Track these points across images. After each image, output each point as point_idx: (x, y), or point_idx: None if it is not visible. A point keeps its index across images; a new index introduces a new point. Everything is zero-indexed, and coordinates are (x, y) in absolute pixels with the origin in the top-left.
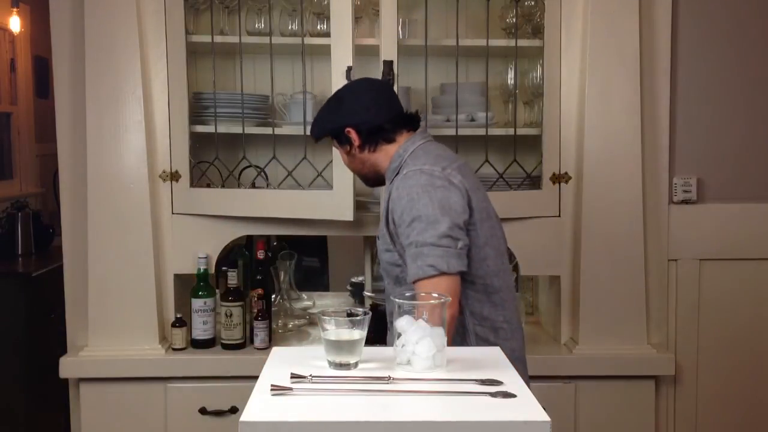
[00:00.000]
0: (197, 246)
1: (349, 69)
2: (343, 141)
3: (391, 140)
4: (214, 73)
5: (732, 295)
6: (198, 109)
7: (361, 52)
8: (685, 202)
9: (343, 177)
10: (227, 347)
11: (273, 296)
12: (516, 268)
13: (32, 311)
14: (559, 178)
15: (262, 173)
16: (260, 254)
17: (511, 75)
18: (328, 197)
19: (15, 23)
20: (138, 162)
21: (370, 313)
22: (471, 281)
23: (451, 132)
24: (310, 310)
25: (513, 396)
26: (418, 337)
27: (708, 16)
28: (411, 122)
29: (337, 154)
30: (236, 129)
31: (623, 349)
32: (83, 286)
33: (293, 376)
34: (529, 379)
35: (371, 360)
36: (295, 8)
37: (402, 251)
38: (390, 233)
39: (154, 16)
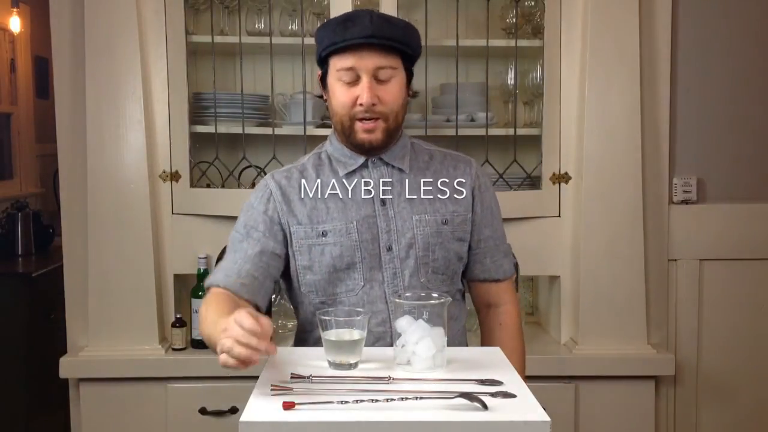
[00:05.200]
0: (197, 246)
1: None
2: (411, 72)
3: None
4: (214, 73)
5: (732, 295)
6: (198, 109)
7: None
8: (685, 202)
9: None
10: None
11: (273, 296)
12: (516, 268)
13: (32, 311)
14: (559, 178)
15: (262, 173)
16: None
17: (511, 75)
18: None
19: (15, 23)
20: (138, 162)
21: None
22: None
23: (451, 132)
24: None
25: (513, 396)
26: (418, 337)
27: (708, 16)
28: None
29: None
30: (236, 129)
31: (623, 349)
32: (83, 286)
33: (293, 376)
34: None
35: (371, 360)
36: (295, 8)
37: (481, 244)
38: (473, 221)
39: (154, 16)
